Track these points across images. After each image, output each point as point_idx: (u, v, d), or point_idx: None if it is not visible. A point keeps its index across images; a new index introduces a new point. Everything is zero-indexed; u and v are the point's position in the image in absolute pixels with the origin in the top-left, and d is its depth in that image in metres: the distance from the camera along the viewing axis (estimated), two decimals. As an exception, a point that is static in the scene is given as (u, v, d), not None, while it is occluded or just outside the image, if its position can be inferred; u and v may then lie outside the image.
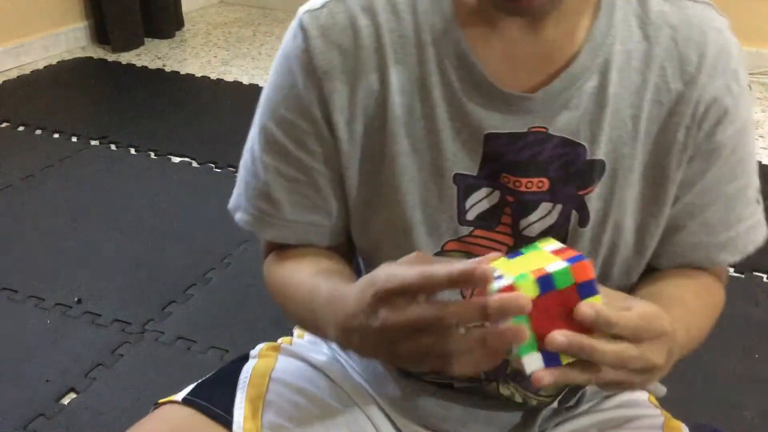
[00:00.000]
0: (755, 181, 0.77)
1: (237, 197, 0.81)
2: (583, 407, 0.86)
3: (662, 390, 0.93)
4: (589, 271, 0.56)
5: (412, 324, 0.55)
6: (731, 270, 1.95)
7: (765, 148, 2.66)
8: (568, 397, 0.84)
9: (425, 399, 0.83)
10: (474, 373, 0.57)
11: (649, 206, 0.73)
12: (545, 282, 0.55)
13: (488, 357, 0.56)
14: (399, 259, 0.59)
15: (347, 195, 0.76)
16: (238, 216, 0.80)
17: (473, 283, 0.53)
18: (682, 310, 0.68)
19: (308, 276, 0.74)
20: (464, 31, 0.69)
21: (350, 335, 0.61)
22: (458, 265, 0.54)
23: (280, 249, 0.81)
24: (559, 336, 0.54)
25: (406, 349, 0.57)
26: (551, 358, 0.56)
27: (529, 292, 0.54)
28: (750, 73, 3.16)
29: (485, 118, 0.69)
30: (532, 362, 0.55)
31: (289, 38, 0.74)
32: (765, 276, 1.95)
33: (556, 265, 0.56)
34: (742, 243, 0.77)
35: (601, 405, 0.86)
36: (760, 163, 2.61)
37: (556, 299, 0.55)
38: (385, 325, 0.56)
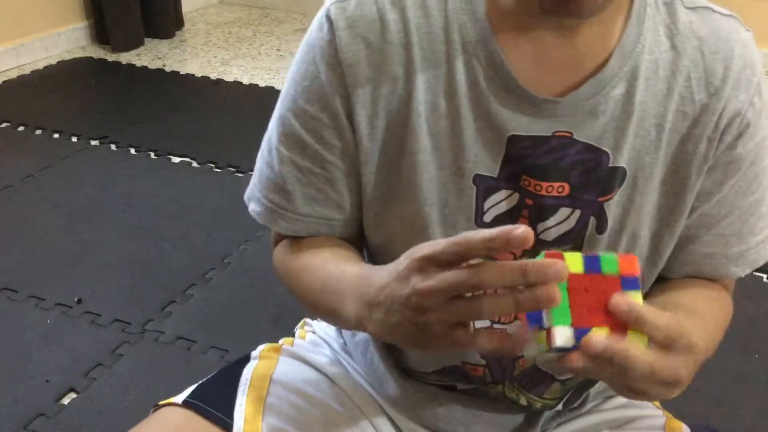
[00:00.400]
0: None
1: (252, 187, 0.80)
2: (585, 408, 0.86)
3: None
4: (636, 266, 0.57)
5: (444, 288, 0.54)
6: (731, 270, 1.95)
7: (765, 148, 2.66)
8: (573, 399, 0.84)
9: (426, 400, 0.82)
10: (496, 349, 0.56)
11: (665, 216, 0.73)
12: (591, 262, 0.56)
13: (513, 338, 0.55)
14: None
15: (363, 190, 0.75)
16: (251, 207, 0.80)
17: (512, 245, 0.52)
18: (696, 322, 0.67)
19: (328, 260, 0.74)
20: (495, 31, 0.68)
21: (375, 309, 0.60)
22: (497, 229, 0.52)
23: (295, 237, 0.80)
24: (597, 338, 0.53)
25: (432, 321, 0.55)
26: (582, 337, 0.55)
27: (574, 266, 0.55)
28: (750, 73, 3.15)
29: (510, 120, 0.69)
30: (563, 335, 0.54)
31: (314, 29, 0.72)
32: (765, 276, 1.95)
33: (606, 252, 0.57)
34: (753, 257, 0.77)
35: (603, 405, 0.87)
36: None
37: (599, 284, 0.56)
38: (414, 290, 0.55)
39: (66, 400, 1.50)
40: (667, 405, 0.88)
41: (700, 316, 0.70)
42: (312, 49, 0.72)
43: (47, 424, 1.44)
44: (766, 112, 0.73)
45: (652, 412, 0.86)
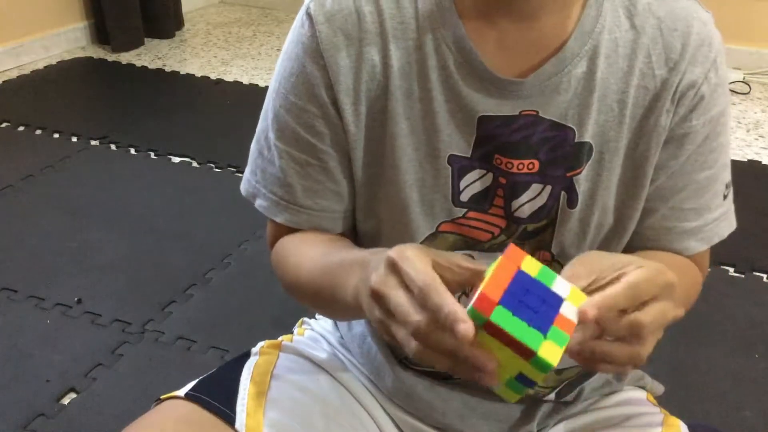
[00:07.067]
0: (725, 177, 0.80)
1: (254, 184, 0.83)
2: (582, 405, 0.86)
3: (660, 388, 0.93)
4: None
5: (387, 307, 0.56)
6: (731, 270, 1.96)
7: (765, 148, 2.67)
8: (566, 392, 0.85)
9: (423, 391, 0.83)
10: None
11: (629, 189, 0.76)
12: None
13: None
14: (441, 252, 0.59)
15: (354, 176, 0.78)
16: (258, 202, 0.83)
17: (451, 331, 0.52)
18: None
19: (329, 249, 0.77)
20: (462, 19, 0.72)
21: (361, 288, 0.62)
22: (452, 307, 0.52)
23: (294, 233, 0.82)
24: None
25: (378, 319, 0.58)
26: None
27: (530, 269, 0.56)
28: (750, 73, 3.16)
29: (479, 101, 0.72)
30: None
31: (296, 26, 0.77)
32: (765, 276, 1.95)
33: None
34: (709, 234, 0.80)
35: (599, 403, 0.87)
36: (759, 163, 2.61)
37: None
38: (370, 283, 0.58)
39: (66, 400, 1.50)
40: (666, 405, 0.89)
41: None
42: (296, 45, 0.76)
43: (47, 424, 1.45)
44: (722, 89, 0.76)
45: (649, 409, 0.86)
